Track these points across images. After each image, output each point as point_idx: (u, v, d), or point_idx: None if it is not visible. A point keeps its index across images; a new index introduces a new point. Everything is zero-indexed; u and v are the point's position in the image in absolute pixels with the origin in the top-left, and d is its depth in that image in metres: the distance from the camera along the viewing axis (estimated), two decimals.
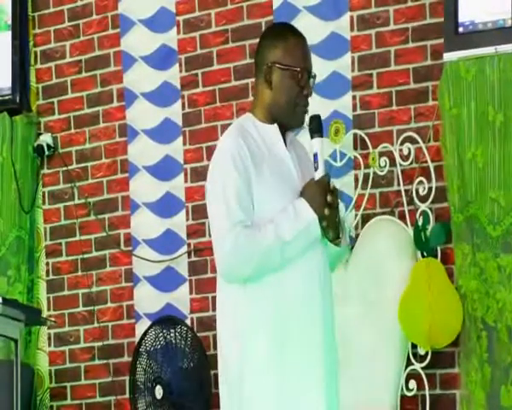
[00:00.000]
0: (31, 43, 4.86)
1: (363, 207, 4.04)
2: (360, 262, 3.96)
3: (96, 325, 4.64)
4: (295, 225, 2.60)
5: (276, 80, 2.69)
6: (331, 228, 2.63)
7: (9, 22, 4.80)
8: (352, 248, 3.99)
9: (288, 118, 2.70)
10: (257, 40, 4.25)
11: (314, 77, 2.73)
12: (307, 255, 2.63)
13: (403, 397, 3.82)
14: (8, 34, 4.80)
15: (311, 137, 2.68)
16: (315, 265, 2.65)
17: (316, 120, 2.69)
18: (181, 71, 4.53)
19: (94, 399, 4.65)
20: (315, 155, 2.67)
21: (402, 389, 3.81)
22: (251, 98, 4.33)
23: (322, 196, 2.62)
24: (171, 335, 4.23)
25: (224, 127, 4.43)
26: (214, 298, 4.45)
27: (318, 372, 2.61)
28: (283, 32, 2.75)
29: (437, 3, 3.93)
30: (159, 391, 4.18)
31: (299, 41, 2.73)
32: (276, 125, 2.72)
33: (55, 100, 4.83)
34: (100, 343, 4.63)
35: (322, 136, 2.69)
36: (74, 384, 4.69)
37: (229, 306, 2.68)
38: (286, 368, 2.61)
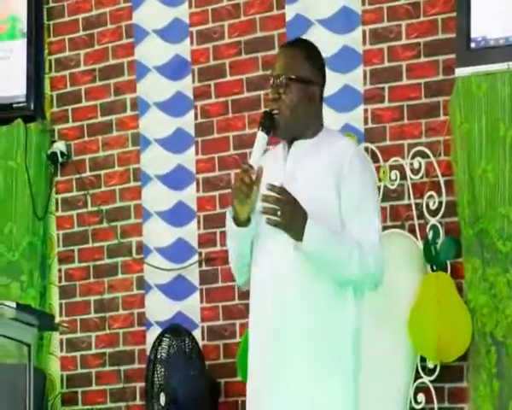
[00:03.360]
0: (46, 52, 4.90)
1: None
2: None
3: (107, 331, 4.68)
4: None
5: None
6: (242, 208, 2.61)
7: (25, 30, 4.84)
8: None
9: None
10: (269, 52, 4.38)
11: (276, 77, 2.70)
12: (260, 243, 2.67)
13: None
14: (24, 42, 4.84)
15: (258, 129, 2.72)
16: (267, 252, 2.66)
17: (264, 115, 2.70)
18: (194, 81, 4.56)
19: (104, 405, 4.69)
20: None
21: (410, 402, 3.84)
22: (262, 110, 4.35)
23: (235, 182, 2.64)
24: (182, 343, 4.27)
25: (236, 138, 4.49)
26: (224, 307, 4.54)
27: (260, 360, 2.65)
28: None
29: (449, 19, 3.95)
30: (162, 399, 4.21)
31: (279, 50, 2.84)
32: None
33: (69, 108, 4.87)
34: (111, 350, 4.67)
35: (266, 133, 2.66)
36: (85, 390, 4.73)
37: None
38: (250, 354, 2.71)
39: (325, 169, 2.67)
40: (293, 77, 2.70)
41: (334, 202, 2.64)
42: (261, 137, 2.68)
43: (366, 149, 4.10)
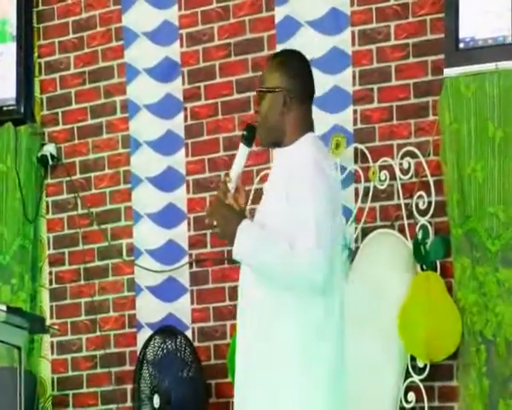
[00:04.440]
0: (35, 55, 4.90)
1: (363, 221, 4.07)
2: (360, 275, 3.99)
3: (98, 333, 4.68)
4: None
5: None
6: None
7: (14, 34, 4.84)
8: (352, 261, 4.03)
9: None
10: (259, 54, 4.40)
11: (256, 92, 2.78)
12: None
13: (401, 409, 3.86)
14: (13, 45, 4.84)
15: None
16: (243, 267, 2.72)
17: (245, 127, 2.78)
18: (184, 83, 4.57)
19: (96, 407, 4.69)
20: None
21: (401, 401, 3.85)
22: (252, 111, 4.37)
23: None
24: (172, 345, 4.27)
25: (226, 140, 4.50)
26: (215, 308, 4.55)
27: (236, 381, 2.69)
28: None
29: (437, 19, 3.97)
30: (156, 400, 4.21)
31: None
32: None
33: (59, 111, 4.87)
34: (102, 352, 4.67)
35: (247, 145, 2.74)
36: (76, 392, 4.73)
37: None
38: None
39: (279, 179, 2.68)
40: (261, 88, 2.75)
41: (285, 210, 2.63)
42: (242, 149, 2.76)
43: (355, 149, 4.12)
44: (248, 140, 2.75)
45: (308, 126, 2.77)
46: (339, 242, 2.72)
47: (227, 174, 2.71)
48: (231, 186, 2.72)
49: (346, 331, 2.75)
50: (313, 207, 2.59)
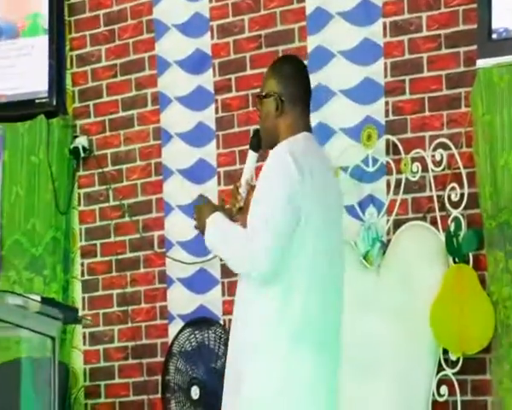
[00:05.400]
0: (67, 48, 4.93)
1: (395, 213, 4.06)
2: (392, 267, 3.98)
3: (129, 324, 4.71)
4: None
5: None
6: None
7: (46, 27, 4.87)
8: (384, 253, 4.01)
9: None
10: (290, 46, 4.38)
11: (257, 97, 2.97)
12: None
13: (434, 403, 3.84)
14: (45, 38, 4.86)
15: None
16: None
17: (252, 134, 3.03)
18: (214, 75, 4.57)
19: (127, 398, 4.72)
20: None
21: (433, 394, 3.83)
22: None
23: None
24: (203, 336, 4.28)
25: None
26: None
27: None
28: None
29: (470, 10, 3.93)
30: (195, 392, 4.22)
31: None
32: None
33: (90, 103, 4.89)
34: (133, 343, 4.70)
35: (254, 150, 2.99)
36: (108, 383, 4.76)
37: None
38: None
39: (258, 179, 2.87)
40: (258, 95, 2.95)
41: None
42: (250, 155, 2.98)
43: (387, 141, 4.10)
44: (254, 145, 2.97)
45: (302, 128, 2.91)
46: (323, 237, 2.81)
47: (237, 182, 2.94)
48: (242, 191, 2.93)
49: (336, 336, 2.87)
50: (262, 206, 2.77)
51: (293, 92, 2.89)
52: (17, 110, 4.90)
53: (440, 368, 3.84)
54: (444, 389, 3.82)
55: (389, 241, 4.04)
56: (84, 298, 4.85)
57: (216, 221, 2.85)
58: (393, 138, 4.09)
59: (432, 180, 3.97)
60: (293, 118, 2.89)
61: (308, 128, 2.93)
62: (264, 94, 2.92)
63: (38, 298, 3.61)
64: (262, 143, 2.97)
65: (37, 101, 4.86)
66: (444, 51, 4.01)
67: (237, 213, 2.94)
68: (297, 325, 2.77)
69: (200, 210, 2.91)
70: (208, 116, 4.59)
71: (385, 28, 4.14)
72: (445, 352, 3.84)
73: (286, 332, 2.77)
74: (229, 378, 2.87)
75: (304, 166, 2.79)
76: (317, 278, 2.80)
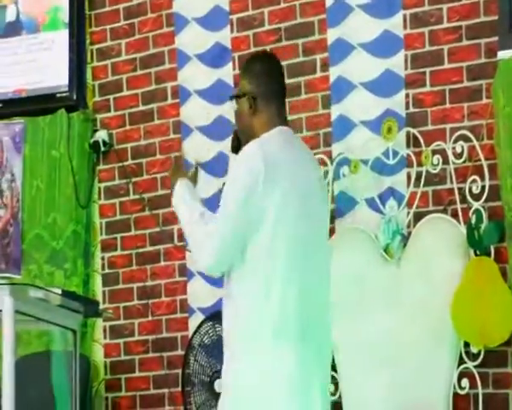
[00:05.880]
0: (87, 42, 4.94)
1: (415, 205, 4.04)
2: (412, 260, 3.97)
3: (150, 318, 4.72)
4: None
5: None
6: None
7: (66, 21, 4.88)
8: (405, 246, 4.00)
9: None
10: (310, 38, 4.37)
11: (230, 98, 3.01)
12: None
13: (455, 395, 3.83)
14: (66, 33, 4.88)
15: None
16: None
17: (232, 136, 3.03)
18: (234, 69, 4.57)
19: (148, 391, 4.73)
20: None
21: (454, 387, 3.82)
22: (302, 96, 4.36)
23: None
24: None
25: None
26: None
27: None
28: None
29: (491, 1, 3.91)
30: (219, 385, 4.23)
31: None
32: None
33: (110, 97, 4.91)
34: (154, 336, 4.71)
35: (234, 152, 2.99)
36: (129, 376, 4.77)
37: None
38: None
39: None
40: (231, 96, 2.98)
41: None
42: (232, 158, 3.00)
43: (408, 133, 4.09)
44: (235, 147, 2.98)
45: (277, 123, 2.91)
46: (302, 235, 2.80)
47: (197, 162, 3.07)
48: None
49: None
50: (222, 204, 2.87)
51: (266, 90, 2.90)
52: (38, 104, 4.92)
53: (461, 361, 3.82)
54: (465, 382, 3.81)
55: (409, 234, 4.02)
56: (104, 292, 4.87)
57: (186, 187, 3.01)
58: (414, 131, 4.07)
59: (453, 172, 3.96)
60: (268, 115, 2.90)
61: (284, 123, 2.92)
62: (236, 94, 2.95)
63: (59, 291, 3.61)
64: (241, 143, 2.96)
65: (57, 95, 4.88)
66: (464, 43, 3.99)
67: None
68: (276, 322, 2.75)
69: (175, 167, 3.09)
70: (228, 110, 4.58)
71: (405, 20, 4.13)
72: (467, 345, 3.83)
73: (266, 329, 2.76)
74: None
75: (274, 160, 2.80)
76: (294, 271, 2.77)
